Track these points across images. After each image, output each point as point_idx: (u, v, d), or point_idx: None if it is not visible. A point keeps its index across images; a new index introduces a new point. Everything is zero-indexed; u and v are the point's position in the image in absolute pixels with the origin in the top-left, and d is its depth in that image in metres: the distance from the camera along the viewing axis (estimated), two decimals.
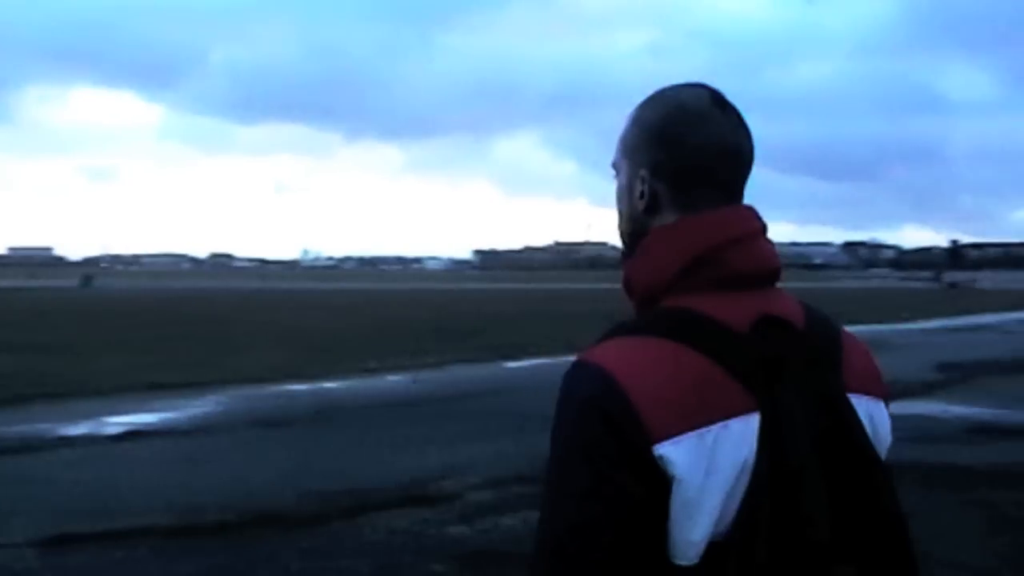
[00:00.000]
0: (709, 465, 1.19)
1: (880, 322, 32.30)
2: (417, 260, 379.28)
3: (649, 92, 1.49)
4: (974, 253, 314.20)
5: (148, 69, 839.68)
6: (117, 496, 7.88)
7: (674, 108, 1.40)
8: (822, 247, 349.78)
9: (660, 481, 1.19)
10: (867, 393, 1.37)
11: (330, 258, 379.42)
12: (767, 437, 1.21)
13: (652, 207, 1.40)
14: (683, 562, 1.20)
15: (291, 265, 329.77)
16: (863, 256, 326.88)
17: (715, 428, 1.20)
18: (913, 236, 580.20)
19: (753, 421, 1.21)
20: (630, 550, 1.19)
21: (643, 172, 1.41)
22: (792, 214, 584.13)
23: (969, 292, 72.33)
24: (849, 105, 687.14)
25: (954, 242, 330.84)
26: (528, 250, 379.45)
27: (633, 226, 1.44)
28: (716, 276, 1.33)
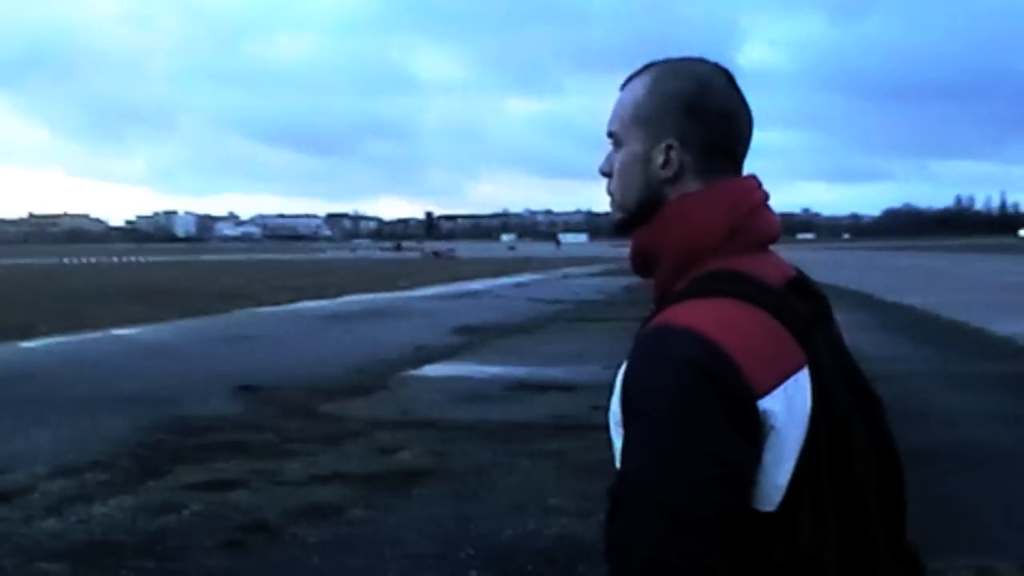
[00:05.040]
0: (790, 415, 1.32)
1: (385, 291, 33.84)
2: None
3: (651, 61, 1.56)
4: (447, 224, 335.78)
5: None
6: None
7: (700, 81, 1.50)
8: (307, 219, 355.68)
9: (760, 434, 1.31)
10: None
11: None
12: (815, 387, 1.35)
13: (676, 176, 1.49)
14: (768, 508, 1.32)
15: None
16: (347, 227, 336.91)
17: (790, 381, 1.33)
18: (391, 208, 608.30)
19: (806, 373, 1.35)
20: (739, 503, 1.30)
21: (671, 141, 1.48)
22: (277, 186, 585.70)
23: (452, 261, 77.42)
24: (328, 81, 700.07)
25: (429, 214, 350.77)
26: None
27: (648, 195, 1.51)
28: (749, 239, 1.46)
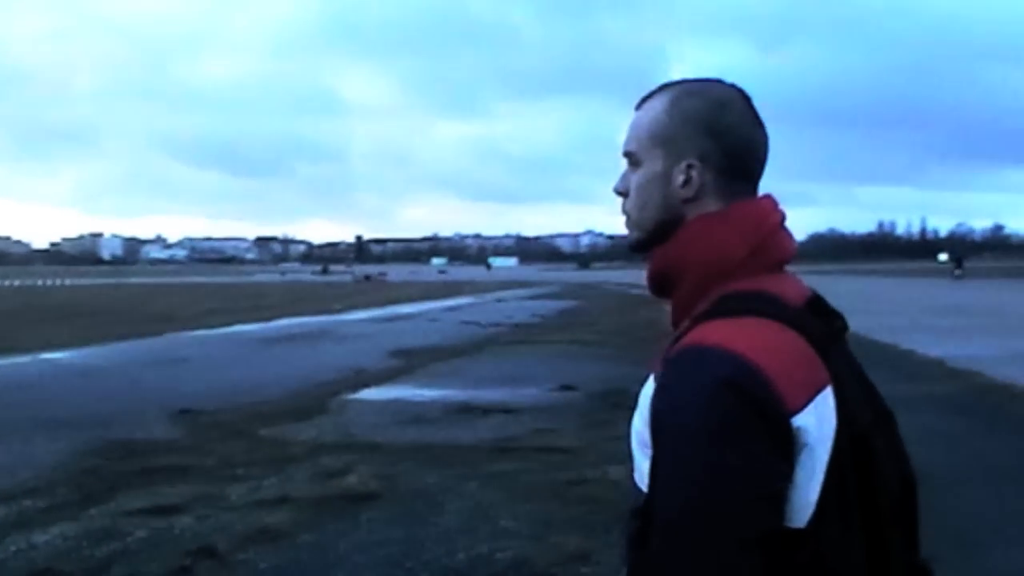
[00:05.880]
0: (820, 432, 1.33)
1: (320, 314, 33.63)
2: None
3: (667, 81, 1.58)
4: (377, 248, 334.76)
5: None
6: None
7: (719, 101, 1.52)
8: (236, 241, 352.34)
9: (793, 451, 1.31)
10: None
11: None
12: (839, 404, 1.36)
13: (696, 195, 1.50)
14: (798, 524, 1.32)
15: None
16: (276, 251, 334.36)
17: (819, 397, 1.34)
18: (321, 231, 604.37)
19: (830, 390, 1.36)
20: (778, 521, 1.30)
21: (692, 161, 1.49)
22: (205, 208, 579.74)
23: (384, 284, 77.05)
24: (257, 103, 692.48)
25: (359, 237, 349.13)
26: None
27: (666, 214, 1.51)
28: (768, 260, 1.47)
